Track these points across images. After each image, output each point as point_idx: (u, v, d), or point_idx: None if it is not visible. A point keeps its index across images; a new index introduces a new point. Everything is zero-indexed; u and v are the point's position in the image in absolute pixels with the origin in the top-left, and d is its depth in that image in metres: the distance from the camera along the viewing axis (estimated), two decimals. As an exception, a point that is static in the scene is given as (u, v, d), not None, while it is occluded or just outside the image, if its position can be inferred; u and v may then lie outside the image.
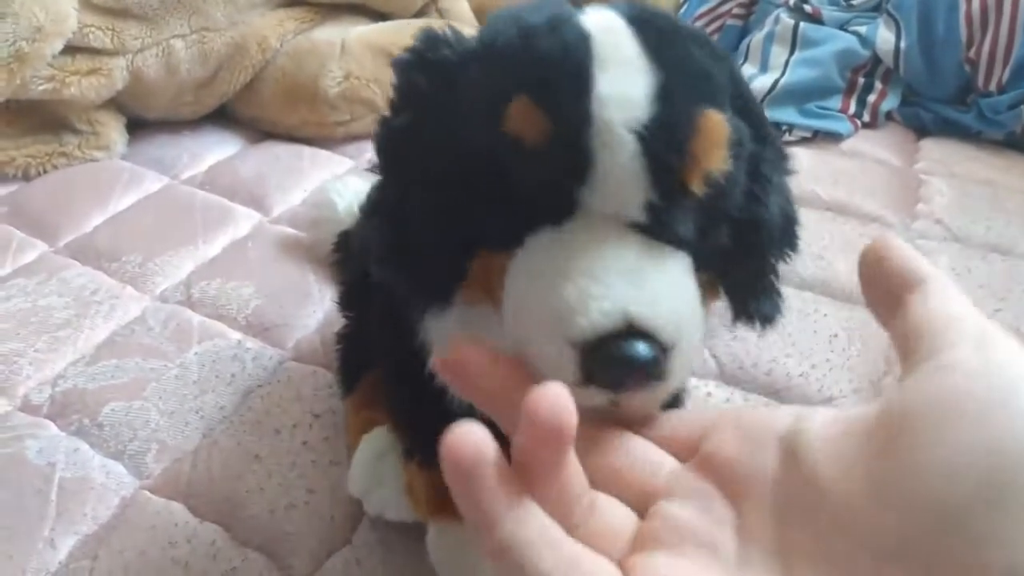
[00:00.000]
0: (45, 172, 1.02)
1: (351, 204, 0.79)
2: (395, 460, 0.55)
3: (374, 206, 0.40)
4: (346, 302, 0.66)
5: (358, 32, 1.14)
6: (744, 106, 0.36)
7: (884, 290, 0.28)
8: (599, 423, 0.30)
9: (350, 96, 1.09)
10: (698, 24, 1.40)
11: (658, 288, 0.31)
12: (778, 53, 1.22)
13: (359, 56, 1.10)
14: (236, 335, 0.75)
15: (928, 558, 0.21)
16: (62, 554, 0.56)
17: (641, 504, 0.28)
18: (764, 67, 1.22)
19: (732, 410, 0.31)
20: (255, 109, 1.13)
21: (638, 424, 0.30)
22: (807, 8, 1.27)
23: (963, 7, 1.14)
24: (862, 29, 1.23)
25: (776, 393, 0.69)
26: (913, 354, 0.25)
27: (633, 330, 0.29)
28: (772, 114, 1.14)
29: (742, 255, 0.37)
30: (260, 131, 1.14)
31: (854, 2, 1.28)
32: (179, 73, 1.07)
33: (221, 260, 0.86)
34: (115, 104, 1.08)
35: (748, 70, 1.22)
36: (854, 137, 1.15)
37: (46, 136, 1.03)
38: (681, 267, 0.33)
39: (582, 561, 0.24)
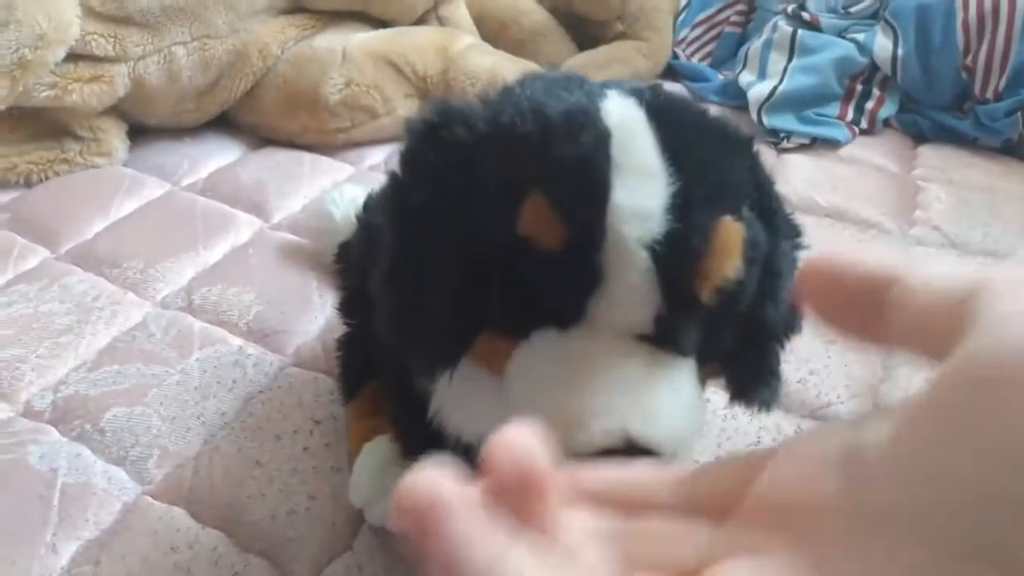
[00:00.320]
0: (47, 179, 1.02)
1: (348, 213, 0.80)
2: (397, 471, 0.55)
3: (387, 273, 0.38)
4: (347, 309, 0.66)
5: (359, 39, 1.14)
6: (761, 196, 0.35)
7: (849, 304, 0.26)
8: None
9: (351, 103, 1.10)
10: (697, 31, 1.41)
11: (659, 403, 0.31)
12: (776, 60, 1.23)
13: (360, 63, 1.11)
14: (237, 341, 0.76)
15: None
16: (64, 559, 0.56)
17: None
18: (762, 74, 1.22)
19: (770, 447, 0.26)
20: (256, 116, 1.14)
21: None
22: (805, 16, 1.27)
23: (960, 15, 1.15)
24: (860, 36, 1.24)
25: (774, 399, 0.69)
26: (941, 335, 0.22)
27: (632, 447, 0.29)
28: (770, 121, 1.14)
29: (746, 348, 0.37)
30: (261, 138, 1.15)
31: (852, 10, 1.28)
32: (180, 80, 1.07)
33: (222, 266, 0.87)
34: (117, 111, 1.08)
35: (746, 77, 1.23)
36: (852, 144, 1.16)
37: (48, 143, 1.04)
38: (684, 374, 0.32)
39: None
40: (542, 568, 0.20)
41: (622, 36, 1.36)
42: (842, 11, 1.29)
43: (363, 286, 0.43)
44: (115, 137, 1.07)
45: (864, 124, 1.19)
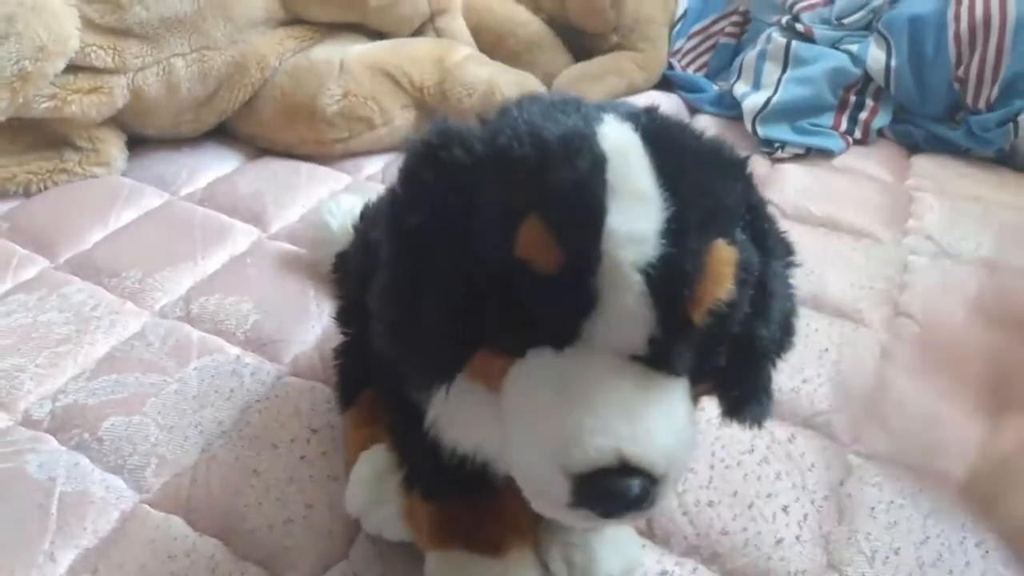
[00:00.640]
0: (46, 188, 1.03)
1: (345, 223, 0.80)
2: (394, 480, 0.55)
3: (384, 289, 0.38)
4: (344, 318, 0.66)
5: (356, 51, 1.15)
6: (754, 218, 0.36)
7: None
8: None
9: (348, 114, 1.11)
10: (692, 42, 1.42)
11: (652, 423, 0.31)
12: (771, 71, 1.24)
13: (357, 74, 1.12)
14: (235, 350, 0.76)
15: None
16: (62, 568, 0.56)
17: None
18: (757, 85, 1.23)
19: None
20: (254, 127, 1.14)
21: None
22: (799, 27, 1.29)
23: (952, 26, 1.16)
24: (853, 48, 1.25)
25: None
26: None
27: (626, 466, 0.30)
28: (765, 131, 1.15)
29: (738, 367, 0.37)
30: (258, 148, 1.15)
31: (845, 21, 1.29)
32: (179, 91, 1.08)
33: (220, 276, 0.87)
34: (116, 121, 1.09)
35: (741, 88, 1.24)
36: (846, 154, 1.17)
37: (47, 153, 1.04)
38: (677, 395, 0.33)
39: None
40: None
41: (618, 47, 1.37)
42: (836, 23, 1.30)
43: (360, 295, 0.43)
44: (114, 147, 1.08)
45: (858, 134, 1.20)
